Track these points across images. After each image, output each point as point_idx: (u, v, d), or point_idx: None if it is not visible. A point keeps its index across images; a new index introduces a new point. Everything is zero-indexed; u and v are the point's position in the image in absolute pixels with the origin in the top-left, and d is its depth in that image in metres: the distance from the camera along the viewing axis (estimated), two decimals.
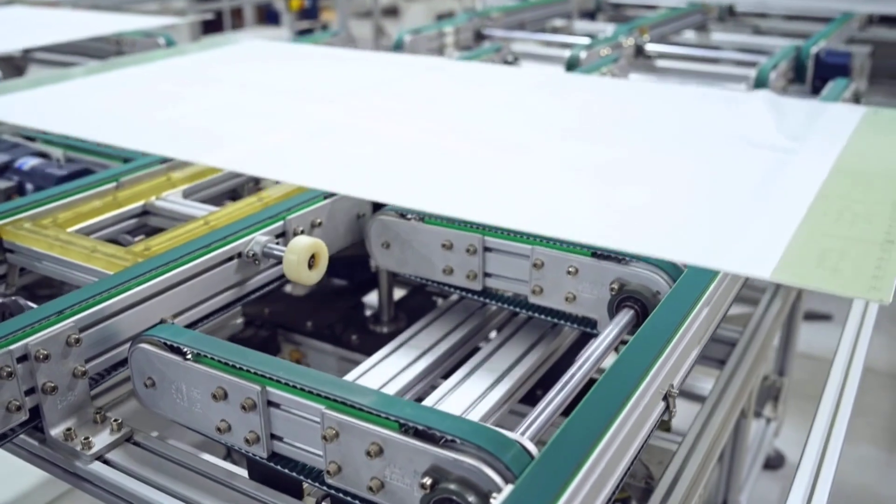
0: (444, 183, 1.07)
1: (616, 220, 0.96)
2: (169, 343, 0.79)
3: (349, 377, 0.96)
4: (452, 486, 0.63)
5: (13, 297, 0.89)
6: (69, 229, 1.07)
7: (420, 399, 0.95)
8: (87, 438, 0.79)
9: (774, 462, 2.27)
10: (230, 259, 0.98)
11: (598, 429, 0.65)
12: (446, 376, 0.99)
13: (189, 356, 0.77)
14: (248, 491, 0.76)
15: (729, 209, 0.98)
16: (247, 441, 0.75)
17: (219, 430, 0.77)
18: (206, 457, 0.82)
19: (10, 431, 0.77)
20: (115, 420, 0.82)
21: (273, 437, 0.75)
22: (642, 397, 0.71)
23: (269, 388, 0.73)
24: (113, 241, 1.07)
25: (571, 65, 2.04)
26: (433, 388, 0.97)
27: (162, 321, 0.90)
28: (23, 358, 0.76)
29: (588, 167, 1.12)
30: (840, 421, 0.92)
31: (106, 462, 0.79)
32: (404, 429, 0.66)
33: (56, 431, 0.80)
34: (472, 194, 1.02)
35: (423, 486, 0.64)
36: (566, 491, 0.59)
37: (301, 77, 1.71)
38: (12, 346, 0.75)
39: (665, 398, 0.77)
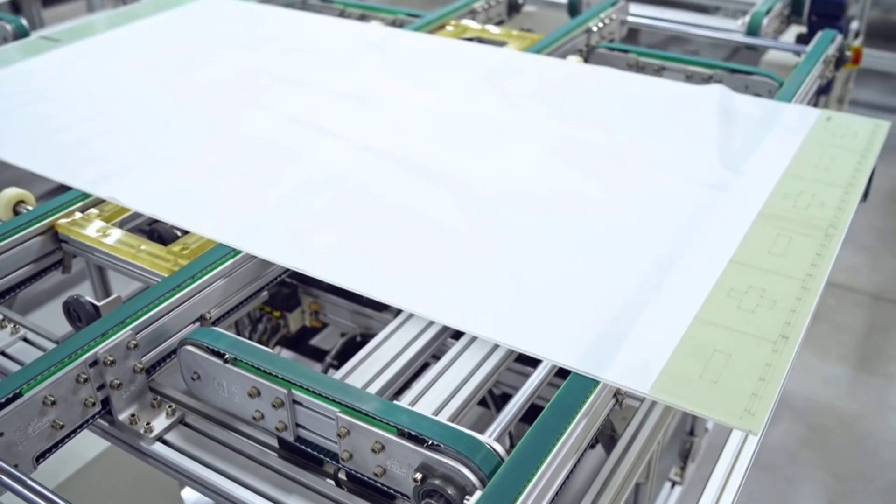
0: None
1: (497, 311, 0.99)
2: (210, 347, 0.96)
3: (376, 340, 1.08)
4: (437, 482, 0.81)
5: (75, 296, 1.06)
6: (114, 221, 1.23)
7: (437, 357, 1.06)
8: (148, 423, 0.98)
9: None
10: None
11: (554, 437, 0.83)
12: (457, 336, 1.09)
13: (227, 359, 0.95)
14: (278, 468, 0.95)
15: (624, 289, 1.00)
16: (277, 428, 0.93)
17: (254, 418, 0.95)
18: (243, 428, 1.01)
19: (88, 421, 0.96)
20: (170, 406, 1.01)
21: (298, 425, 0.93)
22: (595, 401, 0.89)
23: (294, 392, 0.90)
24: (153, 231, 1.23)
25: (573, 7, 2.11)
26: (445, 346, 1.08)
27: (202, 317, 1.07)
28: (93, 363, 0.94)
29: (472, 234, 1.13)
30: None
31: (164, 442, 0.98)
32: (401, 433, 0.84)
33: (123, 416, 0.98)
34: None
35: (415, 479, 0.82)
36: (529, 485, 0.78)
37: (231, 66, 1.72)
38: (85, 356, 0.93)
39: (615, 396, 0.94)
